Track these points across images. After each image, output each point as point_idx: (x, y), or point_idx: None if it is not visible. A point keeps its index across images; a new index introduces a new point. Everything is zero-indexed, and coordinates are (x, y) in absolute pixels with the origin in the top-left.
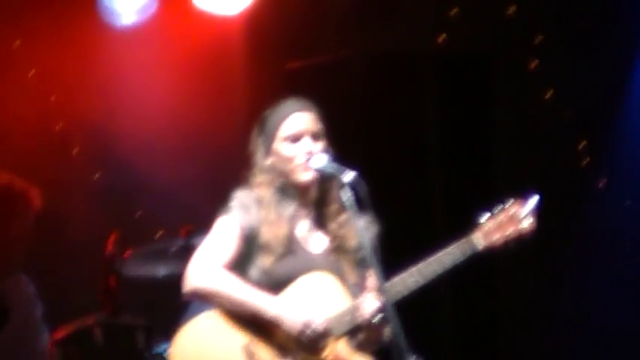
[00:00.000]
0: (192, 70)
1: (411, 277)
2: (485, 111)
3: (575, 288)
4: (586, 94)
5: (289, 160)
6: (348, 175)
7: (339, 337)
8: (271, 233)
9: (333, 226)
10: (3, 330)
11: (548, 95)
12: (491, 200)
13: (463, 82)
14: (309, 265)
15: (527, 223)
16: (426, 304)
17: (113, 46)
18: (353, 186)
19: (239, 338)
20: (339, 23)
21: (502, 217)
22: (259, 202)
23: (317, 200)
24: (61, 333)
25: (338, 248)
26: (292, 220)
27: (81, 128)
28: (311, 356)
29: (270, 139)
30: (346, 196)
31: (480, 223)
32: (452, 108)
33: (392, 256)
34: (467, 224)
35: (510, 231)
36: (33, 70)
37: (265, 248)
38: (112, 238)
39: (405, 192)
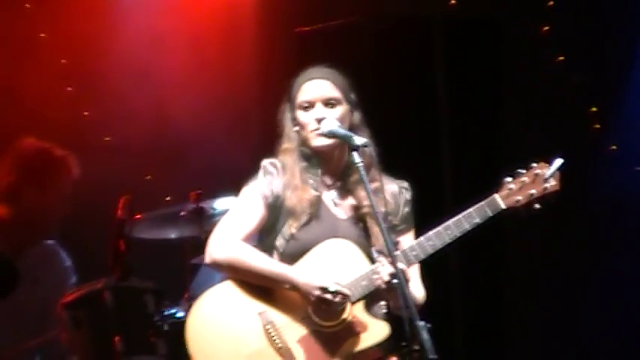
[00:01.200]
0: (205, 36)
1: (429, 241)
2: (495, 76)
3: (586, 255)
4: (596, 59)
5: (304, 126)
6: (359, 140)
7: (356, 301)
8: (296, 198)
9: (360, 193)
10: (30, 296)
11: (558, 60)
12: (500, 165)
13: (473, 47)
14: (335, 231)
15: (551, 184)
16: (435, 271)
17: (125, 7)
18: (364, 150)
19: (256, 306)
20: None
21: (525, 178)
22: (284, 168)
23: (344, 169)
24: (71, 296)
25: (365, 216)
26: (318, 187)
27: (92, 91)
28: (328, 321)
29: (292, 107)
30: (357, 160)
31: (502, 184)
32: (461, 73)
33: None
34: (476, 190)
35: (534, 192)
36: (43, 34)
37: (291, 214)
38: (121, 202)
39: (414, 157)
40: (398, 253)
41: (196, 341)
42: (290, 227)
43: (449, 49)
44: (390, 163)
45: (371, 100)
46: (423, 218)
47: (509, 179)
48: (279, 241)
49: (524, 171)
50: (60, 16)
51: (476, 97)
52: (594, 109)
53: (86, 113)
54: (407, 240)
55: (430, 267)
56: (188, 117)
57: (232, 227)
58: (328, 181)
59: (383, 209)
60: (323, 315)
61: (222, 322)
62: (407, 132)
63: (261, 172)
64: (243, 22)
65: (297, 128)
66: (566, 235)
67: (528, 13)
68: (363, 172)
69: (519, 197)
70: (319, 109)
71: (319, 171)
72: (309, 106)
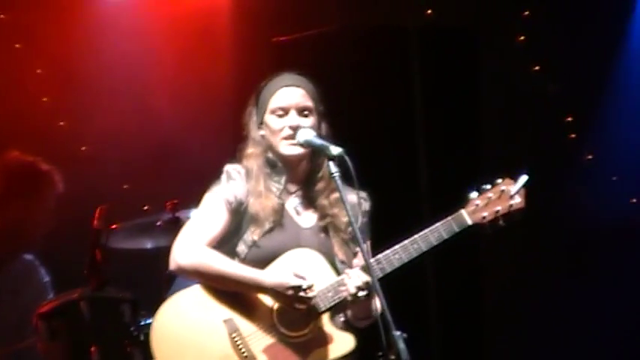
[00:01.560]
0: (180, 43)
1: (395, 255)
2: (471, 85)
3: (562, 262)
4: (572, 68)
5: (275, 132)
6: (335, 150)
7: (321, 312)
8: (259, 205)
9: (323, 202)
10: (8, 307)
11: (534, 70)
12: (477, 174)
13: (449, 56)
14: (298, 240)
15: (516, 201)
16: (411, 281)
17: (100, 16)
18: (340, 160)
19: (221, 312)
20: None
21: (491, 194)
22: (248, 174)
23: (308, 177)
24: (47, 306)
25: (328, 226)
26: (281, 194)
27: (67, 101)
28: (293, 331)
29: (261, 111)
30: (333, 170)
31: (468, 200)
32: (438, 82)
33: (377, 230)
34: (453, 199)
35: (499, 209)
36: (18, 45)
37: (254, 220)
38: (98, 212)
39: (391, 165)
40: (362, 264)
41: (161, 347)
42: (252, 234)
43: (425, 58)
44: (366, 172)
45: (348, 109)
46: (399, 228)
47: (475, 194)
48: (241, 247)
49: (489, 186)
50: (36, 26)
51: (452, 106)
52: (570, 118)
53: (62, 123)
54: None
55: (406, 276)
56: (165, 126)
57: (196, 233)
58: (292, 188)
59: (344, 219)
60: (289, 325)
61: (187, 327)
62: (384, 140)
63: (224, 177)
64: (221, 32)
65: (263, 132)
66: (544, 241)
67: (504, 23)
68: (339, 183)
69: (485, 213)
70: (293, 117)
71: (283, 178)
72: (283, 113)
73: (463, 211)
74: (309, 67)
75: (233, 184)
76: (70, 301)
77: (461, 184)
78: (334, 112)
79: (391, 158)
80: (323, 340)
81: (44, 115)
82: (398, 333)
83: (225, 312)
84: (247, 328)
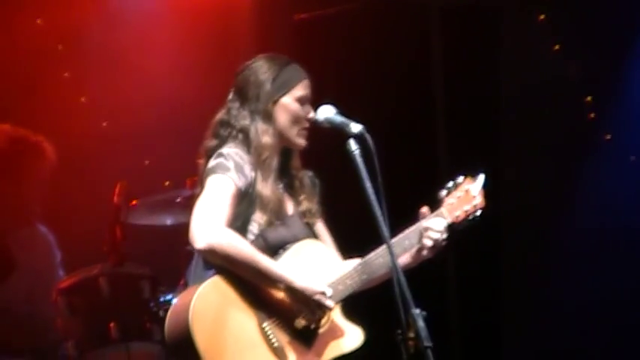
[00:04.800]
0: (200, 21)
1: (405, 240)
2: (492, 64)
3: (579, 243)
4: (593, 48)
5: (299, 120)
6: (355, 127)
7: (336, 303)
8: (271, 195)
9: (298, 191)
10: (14, 277)
11: (555, 49)
12: (498, 156)
13: (470, 35)
14: (294, 230)
15: (478, 201)
16: (429, 264)
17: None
18: (360, 138)
19: (250, 303)
20: None
21: (459, 193)
22: (259, 163)
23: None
24: (66, 282)
25: (304, 212)
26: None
27: (88, 77)
28: (309, 323)
29: (280, 92)
30: (353, 147)
31: (441, 199)
32: (459, 61)
33: (395, 210)
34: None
35: (467, 208)
36: (39, 20)
37: (262, 211)
38: (118, 188)
39: (410, 145)
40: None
41: (204, 338)
42: (261, 223)
43: (447, 36)
44: (387, 151)
45: (368, 88)
46: (415, 211)
47: (444, 193)
48: (249, 236)
49: (454, 185)
50: (57, 1)
51: (473, 85)
52: (589, 98)
53: (83, 99)
54: (321, 229)
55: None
56: (186, 104)
57: (216, 214)
58: (279, 177)
59: (310, 204)
60: (305, 317)
61: (223, 318)
62: (404, 120)
63: (231, 163)
64: (239, 9)
65: (276, 116)
66: (564, 224)
67: (526, 1)
68: (359, 162)
69: (458, 212)
70: (309, 109)
71: (274, 164)
72: (305, 103)
73: (444, 210)
74: (331, 45)
75: (242, 172)
76: (90, 277)
77: (480, 162)
78: (354, 90)
79: (411, 135)
80: (337, 333)
81: (65, 91)
82: (417, 311)
83: (253, 302)
84: (274, 318)
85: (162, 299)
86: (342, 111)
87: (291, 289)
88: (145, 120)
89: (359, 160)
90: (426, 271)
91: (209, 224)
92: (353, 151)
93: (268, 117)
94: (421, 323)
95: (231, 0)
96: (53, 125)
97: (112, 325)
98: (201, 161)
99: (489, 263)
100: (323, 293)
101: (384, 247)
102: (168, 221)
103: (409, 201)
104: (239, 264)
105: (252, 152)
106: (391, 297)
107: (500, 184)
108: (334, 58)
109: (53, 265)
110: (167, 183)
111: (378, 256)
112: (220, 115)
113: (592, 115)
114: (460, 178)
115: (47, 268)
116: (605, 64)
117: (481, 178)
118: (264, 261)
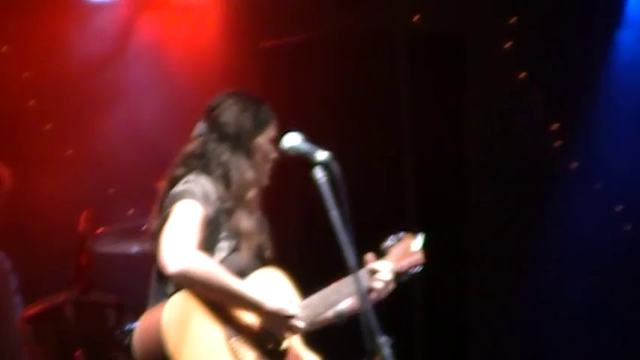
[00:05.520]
0: (169, 48)
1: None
2: (458, 90)
3: (546, 268)
4: (559, 76)
5: (268, 160)
6: (322, 155)
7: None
8: (241, 224)
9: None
10: None
11: (521, 76)
12: (464, 182)
13: (436, 62)
14: (244, 261)
15: (417, 257)
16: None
17: (87, 20)
18: (326, 165)
19: (220, 329)
20: (313, 2)
21: (402, 246)
22: (239, 197)
23: None
24: (33, 310)
25: (260, 246)
26: None
27: (53, 105)
28: (271, 345)
29: (257, 131)
30: (319, 175)
31: (387, 250)
32: (425, 87)
33: (361, 238)
34: (437, 204)
35: (408, 261)
36: (5, 47)
37: (224, 240)
38: (83, 216)
39: (376, 172)
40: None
41: (175, 346)
42: (222, 253)
43: (413, 63)
44: (353, 177)
45: (334, 115)
46: (383, 238)
47: (389, 243)
48: (223, 245)
49: (395, 238)
50: (23, 29)
51: (439, 111)
52: (556, 125)
53: (48, 127)
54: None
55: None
56: (151, 130)
57: (187, 238)
58: None
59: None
60: (268, 339)
61: (193, 328)
62: (370, 146)
63: (199, 191)
64: (208, 36)
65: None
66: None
67: (492, 29)
68: (325, 190)
69: (403, 262)
70: (275, 149)
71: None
72: (274, 142)
73: (390, 257)
74: (297, 72)
75: (208, 201)
76: (56, 304)
77: (446, 188)
78: (320, 117)
79: (377, 164)
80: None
81: (30, 118)
82: (384, 338)
83: (219, 317)
84: (241, 335)
85: (127, 327)
86: (308, 138)
87: (261, 311)
88: (109, 148)
89: (325, 188)
90: (393, 298)
91: (180, 248)
92: (319, 179)
93: (251, 154)
94: (387, 351)
95: (197, 27)
96: (18, 152)
97: (77, 352)
98: (163, 185)
99: (455, 292)
100: (293, 316)
101: (349, 277)
102: (134, 249)
103: (376, 228)
104: (211, 287)
105: (234, 187)
106: (356, 327)
107: (465, 210)
108: (300, 85)
109: (8, 292)
110: (131, 211)
111: (343, 286)
112: (193, 146)
113: (559, 142)
114: (402, 234)
115: (6, 292)
116: (571, 91)
117: (421, 237)
118: (235, 284)
